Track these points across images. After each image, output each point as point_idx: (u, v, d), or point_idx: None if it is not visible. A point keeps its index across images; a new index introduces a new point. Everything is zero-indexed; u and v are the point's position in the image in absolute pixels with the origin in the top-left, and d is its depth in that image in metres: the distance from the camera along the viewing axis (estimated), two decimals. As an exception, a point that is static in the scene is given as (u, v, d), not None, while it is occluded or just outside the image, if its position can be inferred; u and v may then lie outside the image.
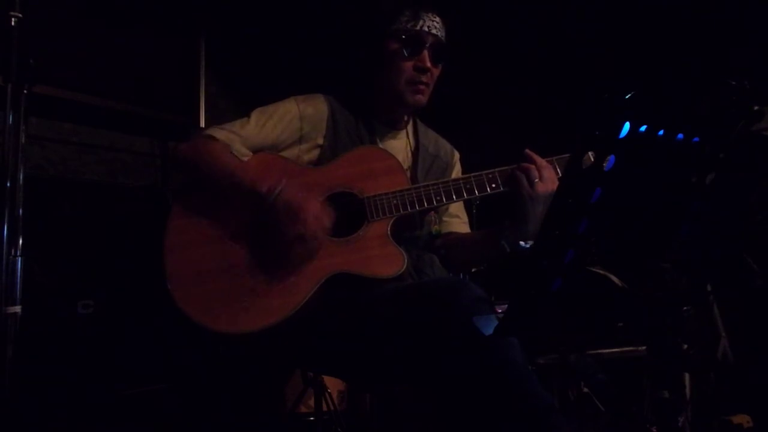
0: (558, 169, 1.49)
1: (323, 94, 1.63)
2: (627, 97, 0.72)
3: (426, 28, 1.53)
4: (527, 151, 1.49)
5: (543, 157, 1.50)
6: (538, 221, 1.45)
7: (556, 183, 1.45)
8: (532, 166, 1.46)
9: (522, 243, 1.51)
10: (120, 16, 2.61)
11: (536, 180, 1.44)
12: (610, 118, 0.74)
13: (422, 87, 1.57)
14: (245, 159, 1.51)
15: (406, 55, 1.54)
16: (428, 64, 1.55)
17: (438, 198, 1.50)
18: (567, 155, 1.50)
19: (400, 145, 1.68)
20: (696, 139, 0.82)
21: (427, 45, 1.54)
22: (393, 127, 1.68)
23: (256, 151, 1.54)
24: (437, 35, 1.55)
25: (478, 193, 1.50)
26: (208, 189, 1.51)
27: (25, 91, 1.32)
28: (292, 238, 1.39)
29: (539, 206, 1.44)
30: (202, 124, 2.93)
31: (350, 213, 1.49)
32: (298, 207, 1.39)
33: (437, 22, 1.56)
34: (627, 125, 0.74)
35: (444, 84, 1.66)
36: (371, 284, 1.42)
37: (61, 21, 2.38)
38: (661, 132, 0.78)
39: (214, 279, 1.41)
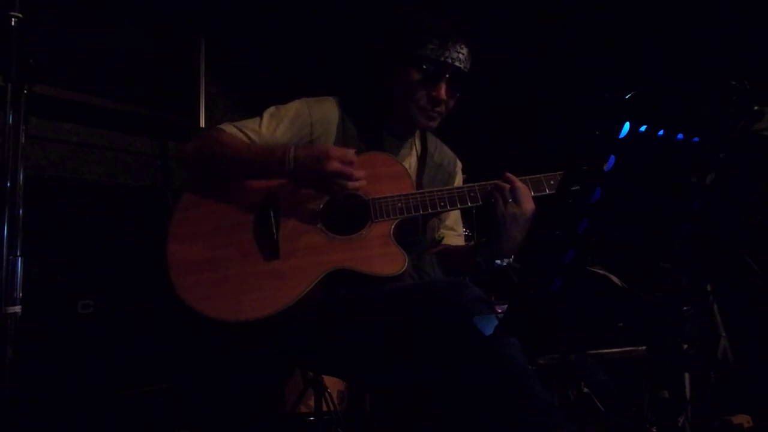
0: (531, 189, 1.50)
1: (334, 98, 1.62)
2: (627, 97, 0.72)
3: (450, 60, 1.51)
4: (507, 174, 1.49)
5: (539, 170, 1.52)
6: (512, 241, 1.47)
7: (530, 204, 1.47)
8: (507, 186, 1.47)
9: (497, 261, 1.52)
10: (120, 16, 2.61)
11: (509, 200, 1.46)
12: (610, 119, 0.74)
13: (434, 115, 1.58)
14: None
15: (423, 84, 1.53)
16: (443, 96, 1.54)
17: (442, 204, 1.50)
18: (539, 176, 1.52)
19: (406, 154, 1.69)
20: (696, 139, 0.82)
21: (447, 76, 1.52)
22: (401, 137, 1.68)
23: None
24: (459, 67, 1.53)
25: (482, 201, 1.51)
26: (220, 176, 1.51)
27: (25, 91, 1.33)
28: (328, 180, 1.39)
29: (512, 226, 1.45)
30: (202, 124, 2.93)
31: (355, 213, 1.49)
32: (320, 153, 1.39)
33: (463, 54, 1.53)
34: (627, 125, 0.74)
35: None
36: (371, 283, 1.43)
37: (61, 21, 2.38)
38: (661, 132, 0.78)
39: (215, 269, 1.42)
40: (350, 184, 1.40)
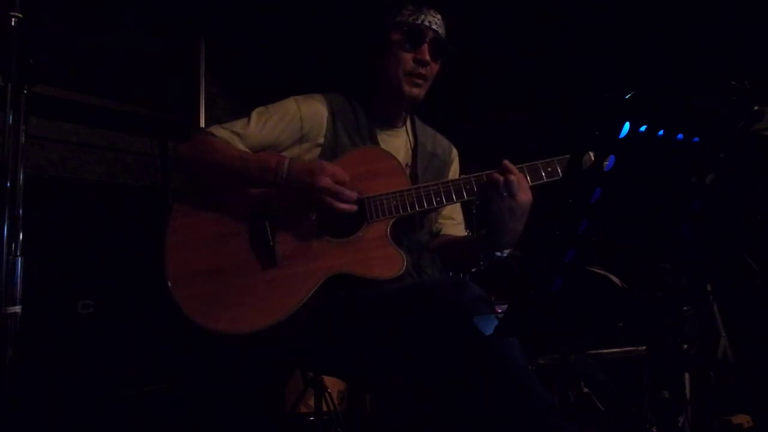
0: (528, 177, 1.49)
1: (323, 94, 1.63)
2: (627, 97, 0.72)
3: (427, 23, 1.58)
4: (504, 162, 1.49)
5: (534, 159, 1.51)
6: (511, 234, 1.46)
7: (527, 196, 1.46)
8: (502, 179, 1.46)
9: (498, 253, 1.52)
10: (120, 16, 2.61)
11: (505, 194, 1.45)
12: (610, 119, 0.74)
13: (420, 81, 1.60)
14: None
15: (407, 47, 1.58)
16: (428, 58, 1.58)
17: (438, 199, 1.50)
18: (536, 162, 1.51)
19: (399, 143, 1.68)
20: (696, 139, 0.82)
21: (428, 39, 1.58)
22: (392, 125, 1.68)
23: (256, 151, 1.54)
24: (438, 31, 1.59)
25: (479, 194, 1.50)
26: (212, 183, 1.51)
27: (25, 91, 1.33)
28: (317, 194, 1.39)
29: (510, 220, 1.45)
30: (202, 124, 2.93)
31: (350, 214, 1.49)
32: (315, 166, 1.41)
33: (438, 19, 1.61)
34: (627, 125, 0.74)
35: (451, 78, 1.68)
36: (371, 285, 1.42)
37: (61, 21, 2.38)
38: (661, 132, 0.78)
39: (214, 279, 1.41)
40: (339, 205, 1.40)
